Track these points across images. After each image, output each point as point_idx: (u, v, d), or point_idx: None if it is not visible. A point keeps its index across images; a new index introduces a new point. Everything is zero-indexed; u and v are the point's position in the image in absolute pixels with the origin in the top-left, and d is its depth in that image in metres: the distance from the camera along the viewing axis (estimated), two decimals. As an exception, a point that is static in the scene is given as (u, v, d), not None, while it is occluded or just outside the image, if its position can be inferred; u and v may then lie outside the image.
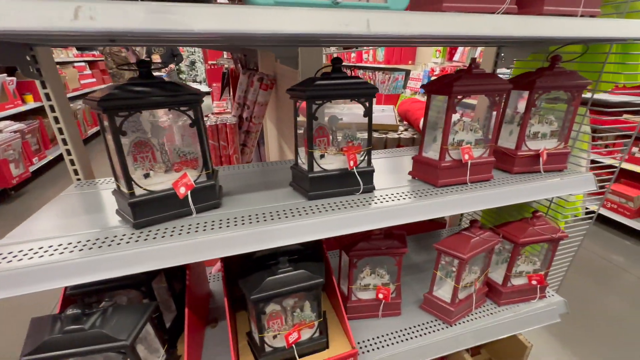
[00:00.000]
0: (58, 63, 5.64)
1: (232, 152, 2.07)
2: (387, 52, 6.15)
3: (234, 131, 2.03)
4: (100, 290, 0.82)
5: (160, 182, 0.74)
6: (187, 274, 0.94)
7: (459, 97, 0.84)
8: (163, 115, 0.75)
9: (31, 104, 4.60)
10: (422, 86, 0.91)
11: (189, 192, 0.74)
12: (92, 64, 7.00)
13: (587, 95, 1.11)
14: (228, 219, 0.77)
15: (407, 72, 6.03)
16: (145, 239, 0.69)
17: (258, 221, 0.76)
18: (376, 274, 1.07)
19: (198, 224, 0.75)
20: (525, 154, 1.00)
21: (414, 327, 1.08)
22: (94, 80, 6.76)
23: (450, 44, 2.60)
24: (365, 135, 0.87)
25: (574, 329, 1.98)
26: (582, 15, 0.81)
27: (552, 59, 0.96)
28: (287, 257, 0.82)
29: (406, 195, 0.89)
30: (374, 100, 0.84)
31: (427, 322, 1.10)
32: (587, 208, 1.39)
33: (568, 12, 0.79)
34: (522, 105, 1.01)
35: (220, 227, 0.73)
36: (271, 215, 0.78)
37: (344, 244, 1.03)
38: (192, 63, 9.77)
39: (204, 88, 8.18)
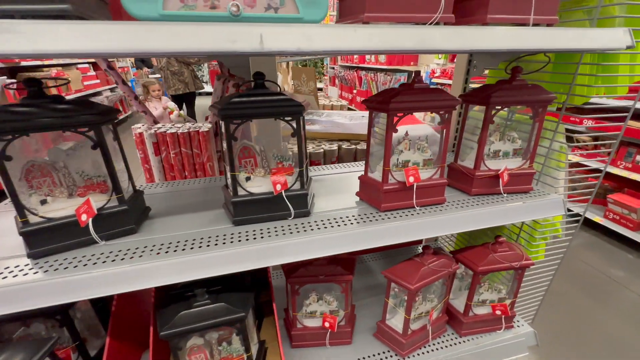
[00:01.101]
0: (61, 65, 5.73)
1: (206, 160, 2.03)
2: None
3: (207, 138, 1.99)
4: (11, 319, 0.78)
5: (60, 208, 0.68)
6: (115, 298, 0.88)
7: (398, 114, 0.76)
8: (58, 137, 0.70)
9: (32, 106, 4.66)
10: (363, 101, 0.83)
11: (90, 220, 0.68)
12: (96, 65, 7.08)
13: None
14: (138, 248, 0.71)
15: (410, 74, 5.91)
16: (36, 272, 0.63)
17: (175, 250, 0.70)
18: (323, 300, 1.00)
19: (102, 253, 0.69)
20: (484, 175, 0.91)
21: (364, 358, 1.00)
22: (97, 81, 6.85)
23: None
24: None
25: (567, 349, 1.86)
26: (536, 24, 0.72)
27: (512, 70, 0.87)
28: (205, 289, 0.75)
29: (345, 220, 0.82)
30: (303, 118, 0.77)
31: (380, 353, 1.02)
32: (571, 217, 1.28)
33: (517, 21, 0.70)
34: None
35: (130, 258, 0.67)
36: (191, 244, 0.72)
37: (285, 269, 0.96)
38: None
39: (208, 88, 8.21)
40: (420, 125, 1.18)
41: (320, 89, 8.78)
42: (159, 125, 1.54)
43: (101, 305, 0.94)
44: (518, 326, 1.12)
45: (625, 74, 0.96)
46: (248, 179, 0.79)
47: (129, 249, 0.70)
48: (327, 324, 0.97)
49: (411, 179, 0.81)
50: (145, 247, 0.71)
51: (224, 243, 0.72)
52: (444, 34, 0.62)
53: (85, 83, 6.29)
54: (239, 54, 0.52)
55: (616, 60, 0.94)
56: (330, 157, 1.48)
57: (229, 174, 0.79)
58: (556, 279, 1.25)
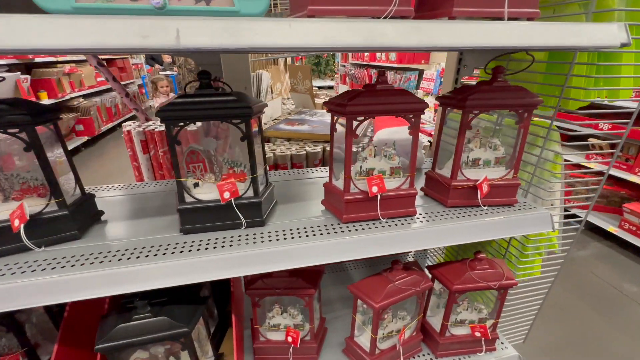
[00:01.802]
0: (74, 61, 5.87)
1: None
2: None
3: (197, 137, 1.96)
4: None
5: (-6, 212, 0.65)
6: (69, 304, 0.85)
7: (358, 118, 0.69)
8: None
9: (45, 101, 4.79)
10: (324, 103, 0.76)
11: (22, 225, 0.65)
12: (109, 62, 7.23)
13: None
14: (74, 256, 0.67)
15: (420, 72, 5.74)
16: (-40, 280, 0.60)
17: (111, 260, 0.65)
18: (288, 313, 0.94)
19: (36, 261, 0.65)
20: (462, 185, 0.83)
21: (329, 376, 0.94)
22: (111, 77, 6.99)
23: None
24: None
25: (564, 371, 1.75)
26: (514, 18, 0.63)
27: (493, 70, 0.78)
28: (146, 301, 0.71)
29: (302, 231, 0.76)
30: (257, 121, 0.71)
31: (347, 372, 0.96)
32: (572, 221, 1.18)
33: (490, 15, 0.62)
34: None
35: (62, 267, 0.63)
36: (130, 253, 0.68)
37: (246, 280, 0.90)
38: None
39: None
40: (403, 128, 1.11)
41: (331, 87, 8.70)
42: (149, 122, 1.51)
43: (57, 310, 0.91)
44: (502, 349, 1.03)
45: (630, 75, 0.86)
46: (196, 185, 0.74)
47: (64, 257, 0.67)
48: (289, 339, 0.91)
49: (374, 189, 0.74)
50: (82, 255, 0.67)
51: (164, 254, 0.67)
52: (398, 29, 0.54)
53: (99, 79, 6.43)
54: (152, 51, 0.47)
55: (618, 59, 0.84)
56: (313, 159, 1.41)
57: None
58: (563, 292, 1.16)
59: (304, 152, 1.40)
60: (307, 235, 0.74)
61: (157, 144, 1.43)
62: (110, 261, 0.65)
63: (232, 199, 0.72)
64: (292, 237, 0.73)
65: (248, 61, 1.08)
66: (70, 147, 5.08)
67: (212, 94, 0.67)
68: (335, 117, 0.76)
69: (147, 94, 8.07)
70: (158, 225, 0.79)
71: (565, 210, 1.17)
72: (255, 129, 0.74)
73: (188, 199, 0.72)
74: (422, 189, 0.95)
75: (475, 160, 0.84)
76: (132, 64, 8.10)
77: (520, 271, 1.07)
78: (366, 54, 6.77)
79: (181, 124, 0.66)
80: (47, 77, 4.91)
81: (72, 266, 0.64)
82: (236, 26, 0.48)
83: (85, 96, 5.95)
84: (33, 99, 4.65)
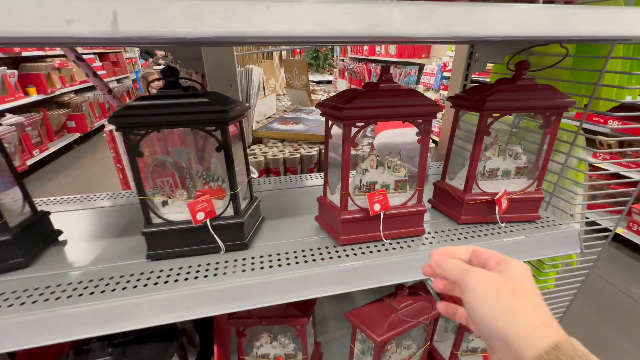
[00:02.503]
0: (64, 55, 5.69)
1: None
2: (399, 45, 5.75)
3: (185, 137, 1.84)
4: None
5: None
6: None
7: (357, 124, 0.57)
8: None
9: (34, 97, 4.64)
10: (317, 105, 0.64)
11: (-53, 258, 0.53)
12: (102, 56, 7.04)
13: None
14: (14, 291, 0.56)
15: (421, 67, 5.60)
16: None
17: (70, 295, 0.54)
18: (278, 341, 0.83)
19: (-34, 299, 0.54)
20: (477, 200, 0.72)
21: (325, 412, 0.84)
22: (104, 72, 6.80)
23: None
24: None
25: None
26: (549, 1, 0.51)
27: (517, 66, 0.66)
28: (106, 342, 0.60)
29: (292, 257, 0.64)
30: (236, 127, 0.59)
31: (344, 406, 0.85)
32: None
33: (521, -3, 0.50)
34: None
35: None
36: (86, 287, 0.56)
37: (229, 306, 0.79)
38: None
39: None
40: (408, 130, 0.99)
41: (330, 82, 8.52)
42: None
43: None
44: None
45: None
46: (165, 203, 0.63)
47: (2, 293, 0.55)
48: (280, 371, 0.81)
49: (377, 207, 0.62)
50: (25, 290, 0.56)
51: (124, 288, 0.56)
52: (408, 15, 0.42)
53: (91, 74, 6.24)
54: (78, 41, 0.35)
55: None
56: (308, 163, 1.30)
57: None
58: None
59: (298, 155, 1.28)
60: (297, 262, 0.63)
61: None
62: (58, 298, 0.54)
63: (208, 220, 0.60)
64: (280, 265, 0.62)
65: (233, 55, 0.96)
66: (61, 144, 4.93)
67: (179, 95, 0.55)
68: (330, 122, 0.64)
69: (140, 90, 7.90)
70: (124, 247, 0.68)
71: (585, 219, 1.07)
72: (236, 134, 0.63)
73: (155, 219, 0.61)
74: (429, 201, 0.84)
75: (493, 170, 0.73)
76: (126, 58, 7.89)
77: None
78: (365, 47, 6.60)
79: (142, 132, 0.54)
80: (36, 71, 4.75)
81: (9, 306, 0.53)
82: (197, 8, 0.36)
83: (76, 91, 5.78)
84: (21, 95, 4.50)
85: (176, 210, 0.62)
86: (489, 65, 1.00)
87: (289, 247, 0.68)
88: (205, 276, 0.59)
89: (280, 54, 2.35)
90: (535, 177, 0.74)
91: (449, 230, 0.73)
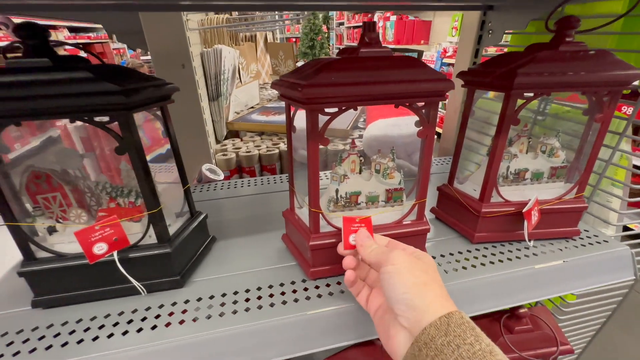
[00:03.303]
0: (47, 46, 5.41)
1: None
2: (397, 30, 5.53)
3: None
4: None
5: None
6: None
7: (327, 110, 0.38)
8: None
9: None
10: (274, 84, 0.45)
11: None
12: (88, 46, 6.75)
13: None
14: None
15: (420, 53, 5.33)
16: None
17: None
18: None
19: None
20: (498, 212, 0.53)
21: None
22: (90, 63, 6.53)
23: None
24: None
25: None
26: None
27: (560, 26, 0.46)
28: None
29: (240, 297, 0.46)
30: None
31: None
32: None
33: None
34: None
35: None
36: None
37: None
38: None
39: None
40: (406, 120, 0.80)
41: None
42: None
43: None
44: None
45: None
46: (52, 230, 0.44)
47: None
48: None
49: (352, 240, 0.43)
50: None
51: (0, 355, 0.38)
52: None
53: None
54: None
55: None
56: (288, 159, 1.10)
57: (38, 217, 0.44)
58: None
59: (277, 151, 1.09)
60: (246, 309, 0.44)
61: (101, 141, 1.11)
62: None
63: (115, 253, 0.42)
64: (222, 313, 0.43)
65: (183, 26, 0.75)
66: (45, 140, 4.72)
67: (46, 68, 0.35)
68: (293, 108, 0.45)
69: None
70: (8, 288, 0.49)
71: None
72: (153, 127, 0.44)
73: (40, 253, 0.42)
74: (432, 210, 0.66)
75: (520, 172, 0.54)
76: (113, 49, 7.59)
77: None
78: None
79: (-11, 126, 0.35)
80: None
81: None
82: None
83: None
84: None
85: (71, 239, 0.43)
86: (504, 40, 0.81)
87: (242, 282, 0.49)
88: (110, 335, 0.40)
89: (266, 37, 2.13)
90: (575, 180, 0.55)
91: (458, 252, 0.55)
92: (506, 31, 0.79)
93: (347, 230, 0.41)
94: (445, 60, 4.37)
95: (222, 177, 0.88)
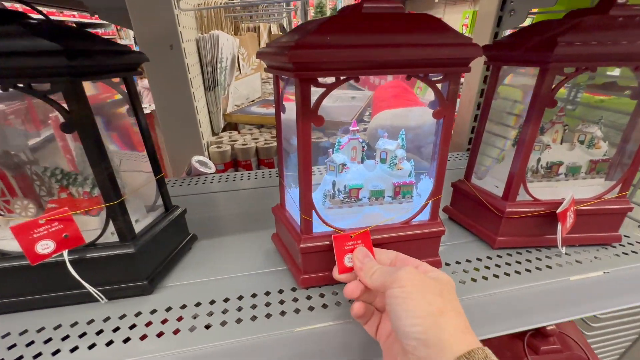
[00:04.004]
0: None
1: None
2: None
3: (152, 126, 1.59)
4: None
5: None
6: None
7: (321, 79, 0.31)
8: None
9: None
10: (259, 54, 0.37)
11: None
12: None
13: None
14: None
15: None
16: None
17: None
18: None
19: None
20: (524, 212, 0.45)
21: None
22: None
23: None
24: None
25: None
26: None
27: (609, -16, 0.38)
28: None
29: (217, 307, 0.39)
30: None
31: None
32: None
33: None
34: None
35: None
36: None
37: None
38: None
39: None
40: (418, 110, 0.72)
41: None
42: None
43: None
44: None
45: None
46: (-7, 224, 0.37)
47: None
48: None
49: (348, 261, 0.36)
50: None
51: None
52: None
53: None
54: None
55: None
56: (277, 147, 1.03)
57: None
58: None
59: (275, 144, 1.01)
60: (222, 322, 0.37)
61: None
62: None
63: (66, 253, 0.35)
64: (193, 327, 0.36)
65: (171, 4, 0.69)
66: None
67: (-25, 22, 0.28)
68: (281, 82, 0.37)
69: (135, 78, 7.68)
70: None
71: None
72: (117, 102, 0.37)
73: (-24, 251, 0.35)
74: (445, 210, 0.58)
75: (553, 166, 0.46)
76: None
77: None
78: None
79: None
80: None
81: None
82: None
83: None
84: None
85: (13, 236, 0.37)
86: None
87: (222, 289, 0.42)
88: (56, 352, 0.33)
89: (270, 29, 2.06)
90: (618, 176, 0.46)
91: (477, 259, 0.47)
92: (531, 11, 0.70)
93: (340, 251, 0.34)
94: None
95: (213, 170, 0.81)
